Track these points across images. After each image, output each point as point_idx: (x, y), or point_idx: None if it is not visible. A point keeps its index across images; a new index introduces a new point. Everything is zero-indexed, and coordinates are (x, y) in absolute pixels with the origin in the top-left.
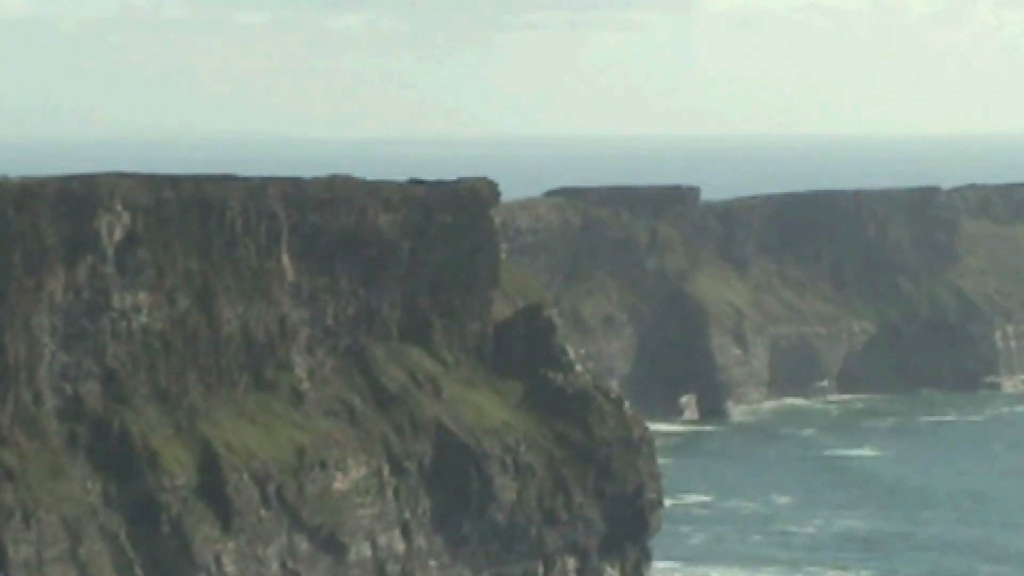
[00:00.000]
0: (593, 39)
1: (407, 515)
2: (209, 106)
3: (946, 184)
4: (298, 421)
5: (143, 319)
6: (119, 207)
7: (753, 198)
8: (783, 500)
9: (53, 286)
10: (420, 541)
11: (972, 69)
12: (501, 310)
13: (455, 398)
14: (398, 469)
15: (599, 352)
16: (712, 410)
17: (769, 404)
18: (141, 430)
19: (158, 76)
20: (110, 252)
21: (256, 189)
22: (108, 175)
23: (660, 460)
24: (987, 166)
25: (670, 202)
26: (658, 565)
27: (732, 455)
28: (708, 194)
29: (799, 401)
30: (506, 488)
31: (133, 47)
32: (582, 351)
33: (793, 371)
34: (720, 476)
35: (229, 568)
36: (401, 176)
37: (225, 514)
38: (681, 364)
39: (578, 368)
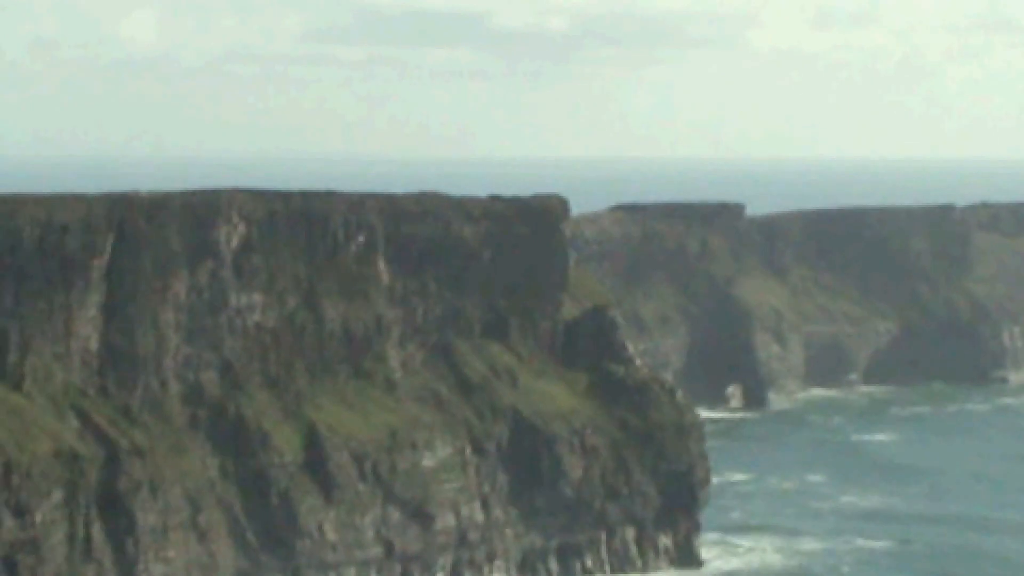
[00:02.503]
0: (651, 72)
1: (486, 489)
2: (313, 129)
3: (960, 202)
4: (391, 406)
5: (256, 317)
6: (236, 218)
7: (791, 213)
8: (815, 479)
9: (178, 287)
10: (497, 512)
11: (984, 101)
12: (570, 310)
13: (529, 387)
14: (479, 449)
15: (655, 348)
16: (754, 399)
17: (804, 395)
18: (254, 413)
19: (269, 102)
20: (228, 258)
21: (356, 203)
22: (227, 190)
23: (708, 443)
24: (997, 186)
25: (718, 216)
26: (706, 535)
27: (771, 439)
28: (752, 209)
29: (830, 392)
30: (573, 466)
31: (246, 78)
32: (640, 347)
33: (825, 365)
34: (760, 457)
35: (330, 535)
36: (482, 192)
37: (327, 487)
38: (727, 359)
39: (637, 362)
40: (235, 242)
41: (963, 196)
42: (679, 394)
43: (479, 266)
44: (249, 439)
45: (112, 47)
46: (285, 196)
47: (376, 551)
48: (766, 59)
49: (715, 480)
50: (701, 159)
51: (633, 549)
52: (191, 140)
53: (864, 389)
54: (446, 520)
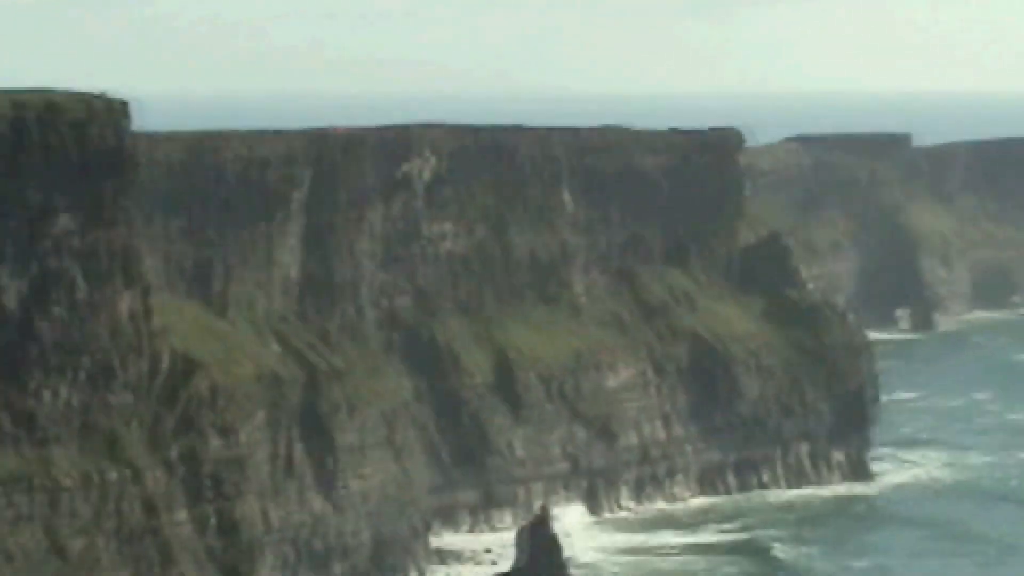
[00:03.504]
0: (816, 5)
1: (667, 408)
2: (499, 67)
3: None
4: (576, 330)
5: (448, 245)
6: (428, 152)
7: (958, 144)
8: (981, 396)
9: (373, 218)
10: (678, 430)
11: None
12: (746, 237)
13: (707, 311)
14: (660, 370)
15: (828, 273)
16: (922, 322)
17: (970, 316)
18: (446, 337)
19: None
20: (420, 190)
21: (542, 137)
22: (419, 125)
23: (878, 363)
24: None
25: (887, 147)
26: (877, 451)
27: (938, 359)
28: (919, 141)
29: (995, 314)
30: (750, 386)
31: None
32: (813, 272)
33: (990, 289)
34: (928, 376)
35: (519, 452)
36: (663, 125)
37: (516, 407)
38: (896, 283)
39: (810, 286)
40: (427, 175)
41: None
42: (850, 317)
43: (659, 196)
44: (442, 362)
45: None
46: (475, 131)
47: (563, 467)
48: None
49: (885, 398)
50: (868, 91)
51: (807, 464)
52: (383, 75)
53: None
54: (629, 438)
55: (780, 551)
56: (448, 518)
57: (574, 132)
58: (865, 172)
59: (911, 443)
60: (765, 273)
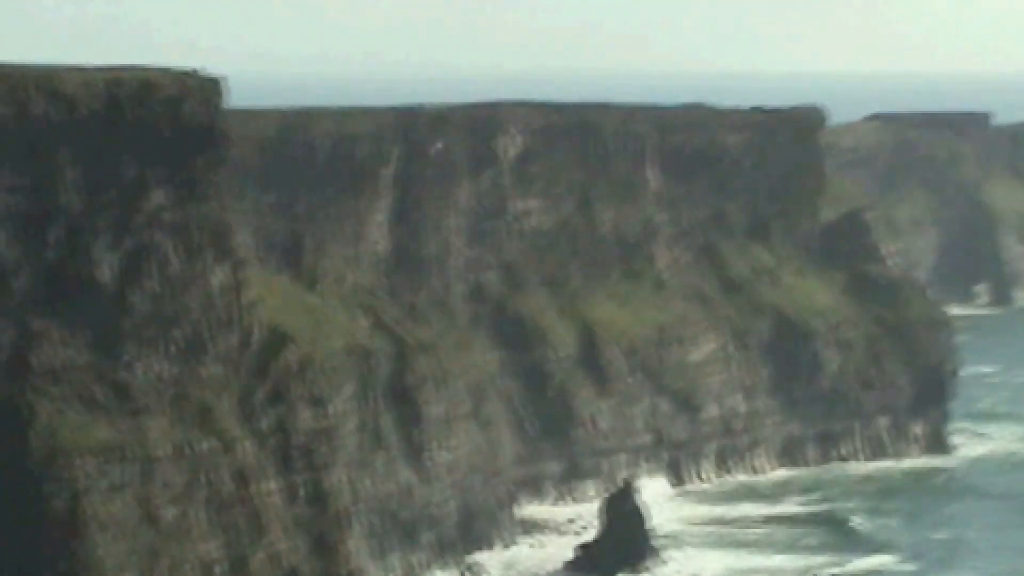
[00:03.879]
0: None
1: (749, 381)
2: (582, 45)
3: None
4: (659, 304)
5: (534, 221)
6: (514, 130)
7: None
8: None
9: (460, 194)
10: (759, 403)
11: None
12: (827, 214)
13: (788, 286)
14: (741, 344)
15: (908, 249)
16: (1001, 297)
17: None
18: (532, 311)
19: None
20: (507, 166)
21: (627, 114)
22: (506, 103)
23: (956, 337)
24: None
25: (967, 125)
26: (955, 424)
27: (1016, 334)
28: (998, 119)
29: None
30: (831, 359)
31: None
32: (894, 248)
33: None
34: (1006, 351)
35: (603, 424)
36: (745, 104)
37: (600, 380)
38: (975, 258)
39: (890, 262)
40: (514, 152)
41: None
42: (929, 292)
43: (742, 173)
44: (527, 335)
45: None
46: (561, 109)
47: (646, 439)
48: None
49: (963, 372)
50: (951, 72)
51: (886, 437)
52: (467, 56)
53: None
54: (711, 410)
55: (859, 523)
56: (533, 489)
57: (659, 110)
58: (945, 150)
59: (989, 417)
60: (846, 249)
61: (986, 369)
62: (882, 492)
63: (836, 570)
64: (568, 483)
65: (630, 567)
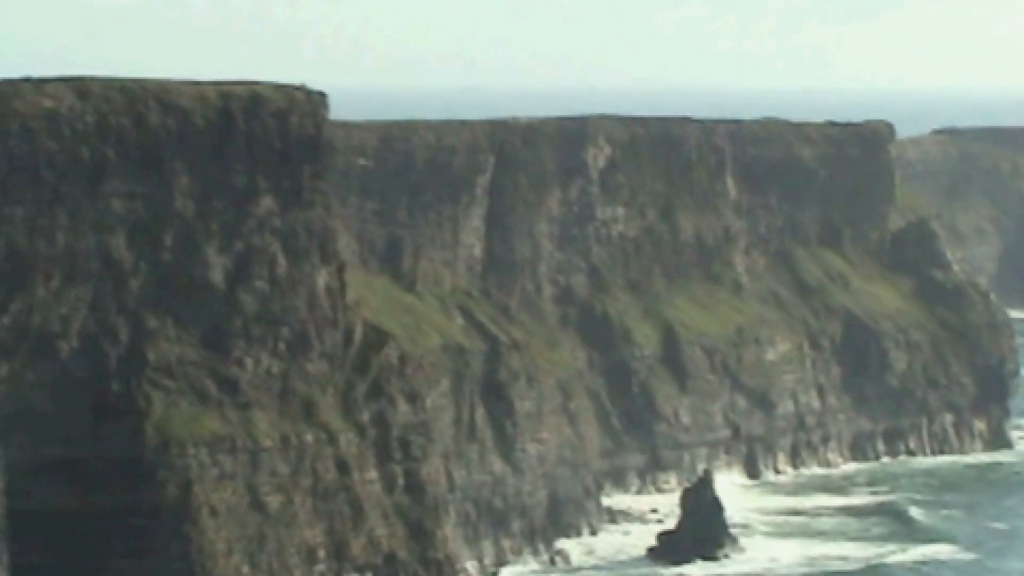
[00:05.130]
0: (967, 3)
1: (822, 380)
2: (668, 62)
3: None
4: (738, 306)
5: (619, 227)
6: (602, 141)
7: None
8: None
9: (551, 202)
10: (831, 400)
11: None
12: (895, 222)
13: (859, 290)
14: (815, 344)
15: (971, 255)
16: None
17: None
18: (617, 312)
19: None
20: (595, 176)
21: (707, 128)
22: (594, 117)
23: (1018, 340)
24: None
25: None
26: (1016, 421)
27: None
28: None
29: None
30: (899, 359)
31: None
32: (958, 255)
33: None
34: None
35: (684, 419)
36: (820, 118)
37: (681, 377)
38: None
39: (955, 268)
40: (601, 162)
41: None
42: (992, 296)
43: (815, 183)
44: (613, 335)
45: None
46: (645, 122)
47: (724, 433)
48: None
49: (1023, 372)
50: (1013, 88)
51: (951, 433)
52: (559, 70)
53: None
54: (786, 406)
55: (922, 514)
56: (618, 480)
57: (737, 124)
58: (1008, 163)
59: None
60: (913, 255)
61: None
62: (945, 485)
63: (899, 558)
64: (650, 474)
65: (708, 554)
